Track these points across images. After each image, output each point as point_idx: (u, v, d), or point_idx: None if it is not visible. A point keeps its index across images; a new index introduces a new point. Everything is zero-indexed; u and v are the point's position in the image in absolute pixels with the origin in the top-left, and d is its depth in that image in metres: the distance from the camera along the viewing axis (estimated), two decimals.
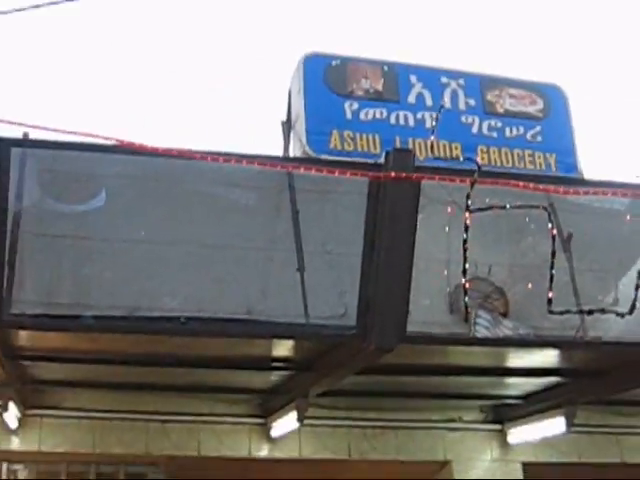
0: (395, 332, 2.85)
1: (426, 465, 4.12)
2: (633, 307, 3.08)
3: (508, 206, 2.99)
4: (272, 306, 3.20)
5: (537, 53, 6.50)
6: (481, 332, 3.33)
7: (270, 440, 3.76)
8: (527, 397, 3.97)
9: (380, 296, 2.82)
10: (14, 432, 3.69)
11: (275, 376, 3.55)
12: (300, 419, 3.41)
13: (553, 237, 3.01)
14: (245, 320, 3.08)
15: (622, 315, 3.15)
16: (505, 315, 3.50)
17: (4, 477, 3.78)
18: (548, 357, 3.43)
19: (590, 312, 3.38)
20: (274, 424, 3.67)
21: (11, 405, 3.52)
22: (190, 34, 6.15)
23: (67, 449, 3.75)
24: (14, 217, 2.83)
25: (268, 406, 3.78)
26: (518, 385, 3.79)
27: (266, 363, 3.46)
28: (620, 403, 4.07)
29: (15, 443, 3.72)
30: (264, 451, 3.82)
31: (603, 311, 3.36)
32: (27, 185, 2.94)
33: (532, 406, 3.87)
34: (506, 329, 3.40)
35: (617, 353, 3.37)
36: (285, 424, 3.55)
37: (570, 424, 3.63)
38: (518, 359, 3.45)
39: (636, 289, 3.07)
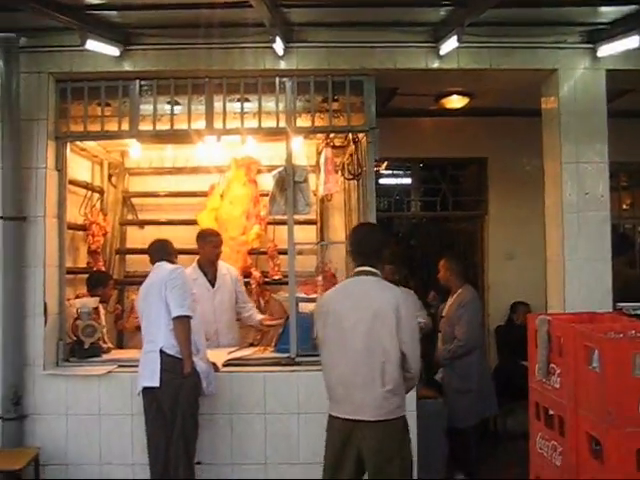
0: None
1: (540, 72, 5.47)
2: None
3: None
4: None
5: None
6: None
7: (440, 56, 5.35)
8: (613, 23, 5.04)
9: None
10: (281, 57, 5.20)
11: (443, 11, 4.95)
12: (459, 40, 4.85)
13: None
14: None
15: None
16: None
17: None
18: None
19: None
20: (442, 46, 5.20)
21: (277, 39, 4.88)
22: None
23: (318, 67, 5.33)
24: None
25: (437, 35, 5.31)
26: (608, 14, 4.97)
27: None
28: None
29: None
30: (436, 64, 5.43)
31: None
32: None
33: (616, 29, 5.02)
34: None
35: None
36: (449, 45, 5.07)
37: None
38: None
39: None
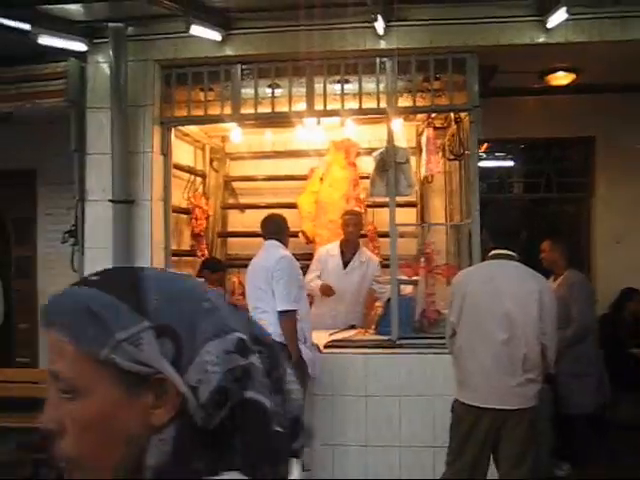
0: None
1: None
2: None
3: None
4: None
5: None
6: None
7: (546, 30, 5.13)
8: None
9: None
10: (381, 37, 5.12)
11: None
12: (568, 12, 4.73)
13: None
14: None
15: None
16: None
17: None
18: None
19: None
20: (549, 19, 4.99)
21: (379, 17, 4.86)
22: None
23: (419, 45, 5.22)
24: None
25: (543, 8, 5.08)
26: None
27: None
28: None
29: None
30: (541, 38, 5.24)
31: None
32: None
33: None
34: None
35: None
36: (557, 17, 4.88)
37: None
38: None
39: None
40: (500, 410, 3.50)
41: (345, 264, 5.94)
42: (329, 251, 5.99)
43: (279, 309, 4.47)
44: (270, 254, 4.69)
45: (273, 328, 4.45)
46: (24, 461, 4.63)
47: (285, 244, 4.85)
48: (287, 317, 4.49)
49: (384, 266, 6.32)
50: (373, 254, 6.19)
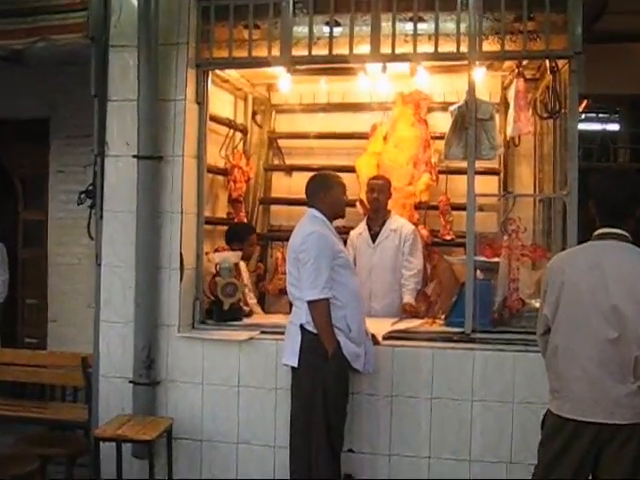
0: None
1: None
2: None
3: None
4: None
5: None
6: None
7: None
8: None
9: None
10: None
11: None
12: None
13: None
14: None
15: None
16: None
17: None
18: None
19: None
20: None
21: None
22: None
23: None
24: None
25: None
26: None
27: None
28: None
29: None
30: None
31: None
32: None
33: None
34: None
35: None
36: None
37: None
38: None
39: None
40: (605, 425, 3.39)
41: (374, 238, 5.98)
42: (358, 230, 6.10)
43: (305, 299, 4.40)
44: (299, 229, 4.61)
45: (305, 316, 4.46)
46: (29, 456, 4.71)
47: (327, 212, 4.65)
48: (316, 308, 4.39)
49: (459, 245, 6.24)
50: (407, 221, 6.36)
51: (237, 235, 6.28)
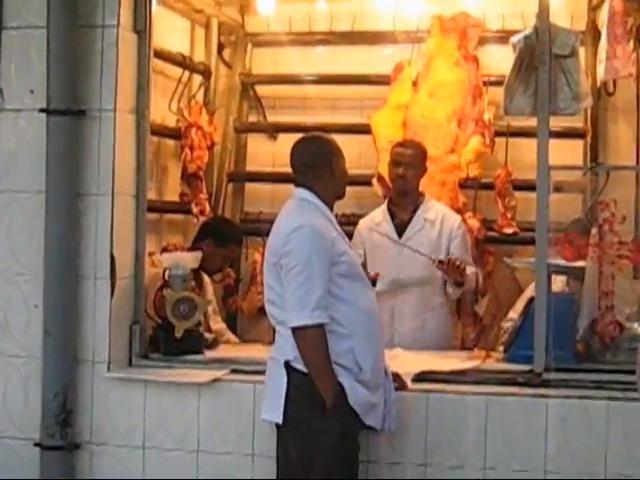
0: None
1: None
2: None
3: None
4: None
5: None
6: None
7: None
8: None
9: None
10: None
11: None
12: None
13: None
14: None
15: None
16: None
17: None
18: None
19: None
20: None
21: None
22: None
23: None
24: None
25: None
26: None
27: None
28: None
29: None
30: None
31: None
32: None
33: None
34: None
35: None
36: None
37: None
38: None
39: None
40: None
41: (400, 230, 5.95)
42: (373, 219, 6.12)
43: (289, 324, 4.28)
44: (282, 221, 4.51)
45: (291, 350, 4.39)
46: None
47: (326, 193, 4.54)
48: (303, 338, 4.27)
49: (525, 242, 6.27)
50: (448, 208, 6.38)
51: (226, 233, 6.34)
